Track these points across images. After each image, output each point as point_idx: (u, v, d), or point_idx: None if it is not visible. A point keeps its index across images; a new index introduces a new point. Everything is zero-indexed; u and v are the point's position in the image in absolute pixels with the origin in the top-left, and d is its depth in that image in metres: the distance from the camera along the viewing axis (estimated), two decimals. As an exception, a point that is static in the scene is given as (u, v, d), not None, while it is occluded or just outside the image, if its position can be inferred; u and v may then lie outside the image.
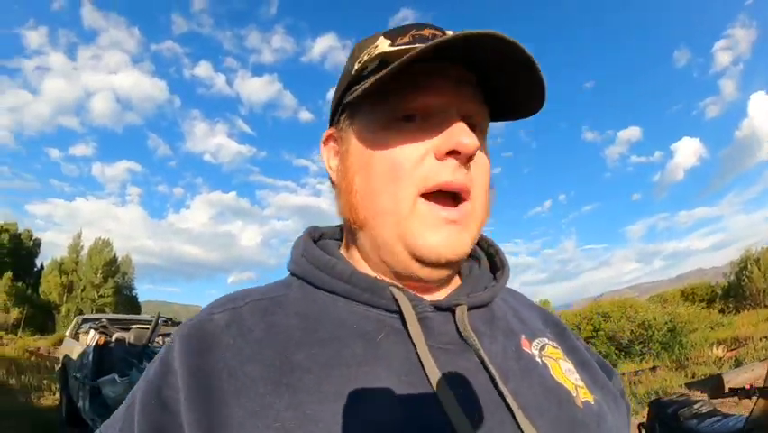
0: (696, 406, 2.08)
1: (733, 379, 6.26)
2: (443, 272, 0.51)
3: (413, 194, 0.47)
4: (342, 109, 0.54)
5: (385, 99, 0.48)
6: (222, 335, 0.46)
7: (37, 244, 40.18)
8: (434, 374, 0.43)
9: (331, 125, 0.57)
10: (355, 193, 0.51)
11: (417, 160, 0.47)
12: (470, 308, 0.50)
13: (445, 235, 0.47)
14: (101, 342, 6.05)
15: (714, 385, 6.37)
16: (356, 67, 0.51)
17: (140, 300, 45.56)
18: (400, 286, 0.49)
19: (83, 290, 37.60)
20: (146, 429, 0.43)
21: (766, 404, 1.73)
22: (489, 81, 0.50)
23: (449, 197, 0.48)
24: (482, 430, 0.41)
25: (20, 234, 38.31)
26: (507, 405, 0.43)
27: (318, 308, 0.49)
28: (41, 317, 32.39)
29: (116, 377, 4.77)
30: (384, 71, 0.43)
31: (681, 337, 10.25)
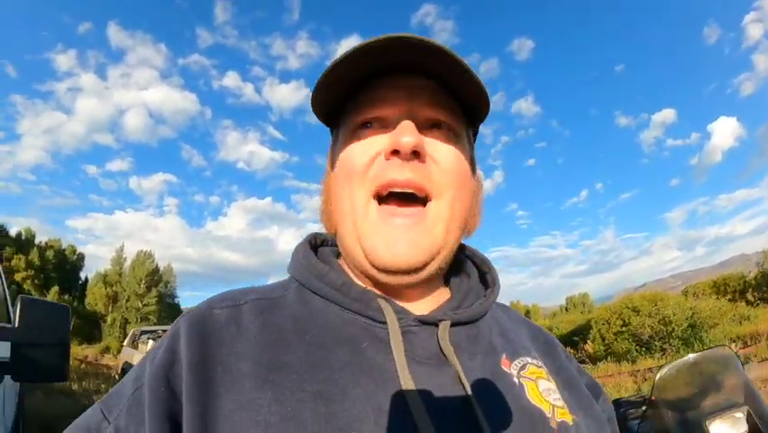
0: (644, 407, 2.02)
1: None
2: (410, 279, 0.51)
3: (366, 195, 0.50)
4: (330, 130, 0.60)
5: (351, 114, 0.53)
6: (221, 330, 0.49)
7: (81, 258, 41.87)
8: (409, 386, 0.45)
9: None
10: (328, 201, 0.56)
11: (369, 162, 0.50)
12: (454, 324, 0.52)
13: (395, 239, 0.49)
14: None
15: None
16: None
17: (182, 307, 47.03)
18: (387, 298, 0.52)
19: (127, 300, 39.14)
20: (159, 414, 0.45)
21: (654, 416, 1.80)
22: (449, 85, 0.52)
23: (406, 199, 0.50)
24: None
25: (64, 250, 40.09)
26: (478, 422, 0.45)
27: (312, 311, 0.52)
28: (88, 328, 33.96)
29: None
30: (327, 68, 0.48)
31: (702, 333, 10.23)
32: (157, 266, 42.79)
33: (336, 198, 0.54)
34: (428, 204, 0.50)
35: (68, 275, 39.49)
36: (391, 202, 0.50)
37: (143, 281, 40.20)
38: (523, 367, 0.54)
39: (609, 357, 11.78)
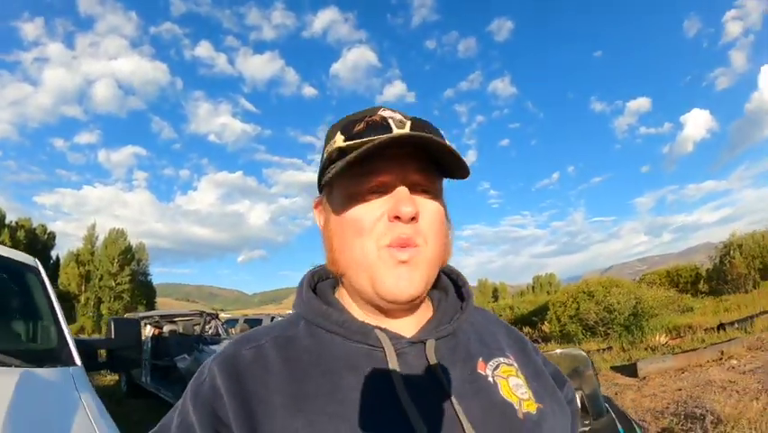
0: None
1: (645, 367, 6.86)
2: (407, 306, 0.64)
3: (374, 246, 0.60)
4: (323, 186, 0.67)
5: (350, 179, 0.61)
6: (250, 367, 0.60)
7: (52, 237, 41.24)
8: (405, 399, 0.56)
9: (320, 192, 0.71)
10: (335, 250, 0.65)
11: (375, 221, 0.60)
12: (438, 338, 0.63)
13: (398, 276, 0.59)
14: (156, 333, 8.36)
15: (631, 371, 6.98)
16: (325, 156, 0.65)
17: (154, 284, 46.97)
18: (384, 327, 0.62)
19: (101, 280, 38.94)
20: None
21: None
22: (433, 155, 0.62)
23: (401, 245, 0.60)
24: None
25: (35, 230, 39.48)
26: (460, 421, 0.55)
27: (320, 344, 0.62)
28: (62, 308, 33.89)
29: (186, 355, 6.53)
30: (339, 166, 0.58)
31: (642, 322, 11.08)
32: (130, 244, 42.50)
33: (346, 248, 0.63)
34: (416, 248, 0.60)
35: (40, 255, 38.92)
36: (392, 248, 0.60)
37: (116, 260, 39.98)
38: (496, 367, 0.65)
39: (561, 339, 12.73)
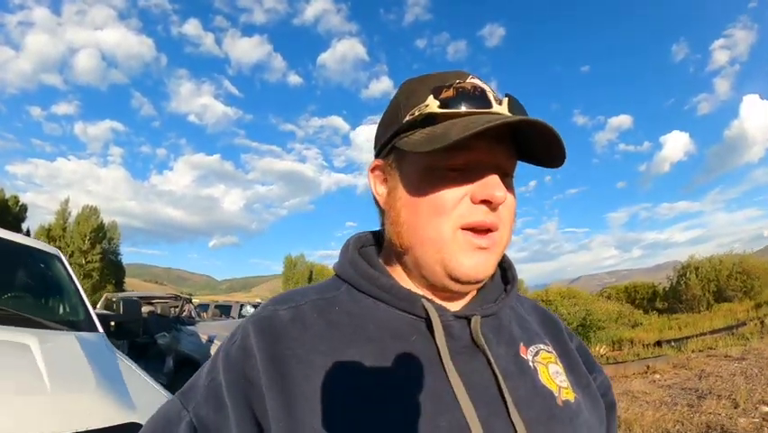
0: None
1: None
2: (472, 287, 0.63)
3: (452, 227, 0.57)
4: (391, 149, 0.63)
5: (430, 151, 0.54)
6: (288, 328, 0.57)
7: (23, 209, 40.49)
8: (451, 371, 0.54)
9: (377, 156, 0.67)
10: (402, 224, 0.61)
11: (456, 201, 0.56)
12: (481, 317, 0.61)
13: (477, 260, 0.57)
14: (137, 313, 9.15)
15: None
16: (407, 118, 0.59)
17: (124, 264, 46.59)
18: (429, 298, 0.60)
19: (71, 256, 38.51)
20: (240, 402, 0.54)
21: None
22: (519, 137, 0.59)
23: (481, 229, 0.58)
24: (482, 413, 0.52)
25: (7, 201, 38.71)
26: (504, 399, 0.54)
27: (363, 310, 0.60)
28: None
29: (165, 333, 7.18)
30: (442, 144, 0.52)
31: (590, 333, 11.66)
32: (102, 222, 42.04)
33: (419, 226, 0.59)
34: (494, 233, 0.58)
35: (10, 227, 37.69)
36: (469, 231, 0.57)
37: (88, 237, 39.54)
38: (536, 353, 0.64)
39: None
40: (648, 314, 20.55)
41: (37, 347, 1.85)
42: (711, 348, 8.15)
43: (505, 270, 0.72)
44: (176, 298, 10.29)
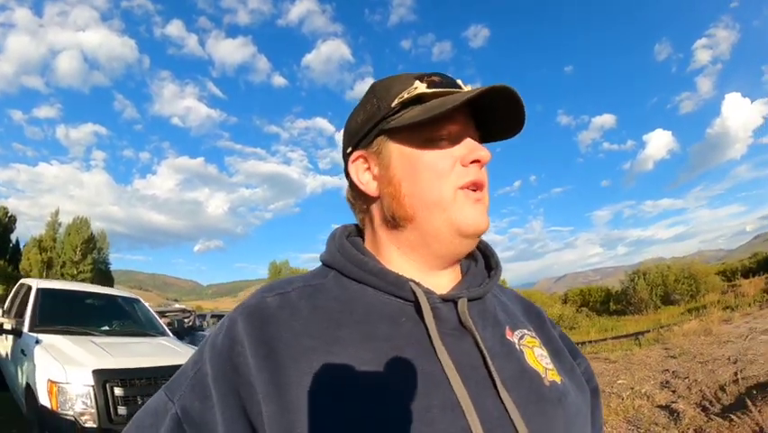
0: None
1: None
2: (474, 244, 0.66)
3: (452, 188, 0.62)
4: (377, 133, 0.66)
5: (421, 126, 0.62)
6: (276, 314, 0.58)
7: (13, 220, 41.16)
8: (442, 352, 0.55)
9: (355, 149, 0.69)
10: (404, 195, 0.64)
11: (450, 166, 0.62)
12: (468, 301, 0.62)
13: (478, 211, 0.63)
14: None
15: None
16: (395, 102, 0.63)
17: (112, 271, 47.68)
18: (417, 281, 0.61)
19: (62, 267, 39.58)
20: (225, 390, 0.54)
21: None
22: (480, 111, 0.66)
23: (475, 187, 0.63)
24: (472, 393, 0.54)
25: None
26: (492, 378, 0.56)
27: (351, 294, 0.62)
28: None
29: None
30: (441, 110, 0.58)
31: None
32: (92, 234, 43.09)
33: (423, 191, 0.63)
34: (485, 191, 0.65)
35: (1, 239, 38.93)
36: (467, 190, 0.63)
37: (79, 249, 40.67)
38: (522, 337, 0.66)
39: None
40: (600, 316, 22.41)
41: (158, 341, 5.02)
42: (597, 352, 9.34)
43: (488, 257, 0.75)
44: (183, 311, 12.39)
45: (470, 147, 0.63)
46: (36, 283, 5.31)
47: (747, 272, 26.25)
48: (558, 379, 0.64)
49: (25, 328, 4.51)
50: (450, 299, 0.61)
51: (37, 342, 4.04)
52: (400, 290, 0.61)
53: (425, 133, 0.64)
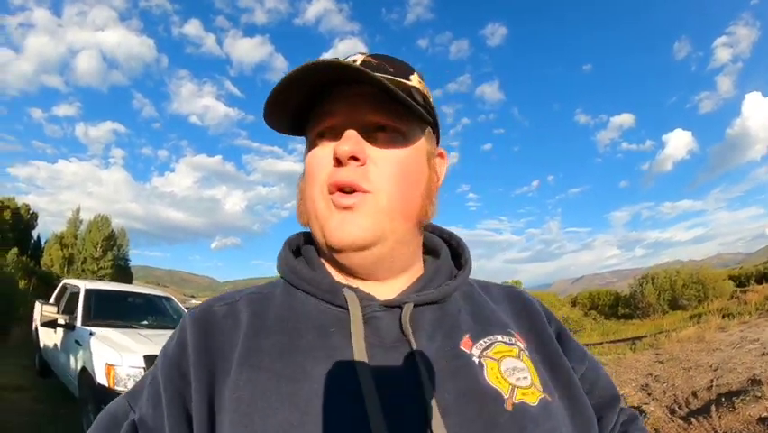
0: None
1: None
2: (361, 258, 0.56)
3: (320, 191, 0.56)
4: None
5: (310, 126, 0.59)
6: (220, 323, 0.57)
7: (34, 217, 42.10)
8: (363, 368, 0.49)
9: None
10: (302, 201, 0.61)
11: (321, 166, 0.56)
12: (420, 305, 0.56)
13: (339, 221, 0.54)
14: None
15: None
16: None
17: (131, 267, 48.88)
18: (354, 287, 0.56)
19: (83, 263, 40.70)
20: (171, 395, 0.53)
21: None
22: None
23: (345, 190, 0.54)
24: (394, 422, 0.46)
25: (19, 209, 40.63)
26: (425, 400, 0.47)
27: (294, 303, 0.58)
28: (44, 288, 35.23)
29: None
30: (265, 103, 0.54)
31: None
32: (113, 231, 44.20)
33: (305, 198, 0.59)
34: (366, 196, 0.54)
35: (22, 235, 39.98)
36: (336, 194, 0.55)
37: (99, 245, 41.79)
38: (488, 347, 0.55)
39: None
40: (608, 320, 22.59)
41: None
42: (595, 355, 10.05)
43: (458, 255, 0.67)
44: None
45: (339, 142, 0.55)
46: (84, 284, 6.22)
47: (761, 278, 25.96)
48: (533, 398, 0.52)
49: (78, 323, 5.37)
50: (394, 306, 0.55)
51: (91, 333, 4.83)
52: (335, 297, 0.56)
53: (309, 135, 0.61)
